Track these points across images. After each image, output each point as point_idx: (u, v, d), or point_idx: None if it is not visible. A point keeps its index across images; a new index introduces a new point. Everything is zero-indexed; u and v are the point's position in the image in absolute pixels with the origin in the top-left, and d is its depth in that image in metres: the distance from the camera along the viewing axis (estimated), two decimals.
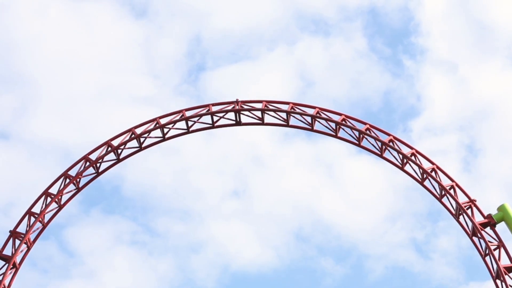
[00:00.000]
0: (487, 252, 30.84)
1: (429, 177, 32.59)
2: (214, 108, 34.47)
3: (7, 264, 31.52)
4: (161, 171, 59.25)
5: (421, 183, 32.86)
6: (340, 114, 33.99)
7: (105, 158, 33.93)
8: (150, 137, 34.38)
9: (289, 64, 64.32)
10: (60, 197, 33.08)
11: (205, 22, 64.44)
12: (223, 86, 61.38)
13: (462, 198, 32.13)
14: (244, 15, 65.24)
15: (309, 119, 34.07)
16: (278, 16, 64.65)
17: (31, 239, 32.35)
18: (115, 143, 34.04)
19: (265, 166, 60.73)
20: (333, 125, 33.91)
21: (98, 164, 33.81)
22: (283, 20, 64.78)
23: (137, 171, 57.84)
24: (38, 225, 32.54)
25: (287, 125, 34.46)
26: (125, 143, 34.07)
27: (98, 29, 63.55)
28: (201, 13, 64.37)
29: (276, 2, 65.69)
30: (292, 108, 34.17)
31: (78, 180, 33.42)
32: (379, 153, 33.52)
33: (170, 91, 62.88)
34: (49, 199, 32.84)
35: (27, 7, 61.91)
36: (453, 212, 32.20)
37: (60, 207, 33.13)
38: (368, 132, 33.55)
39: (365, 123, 33.81)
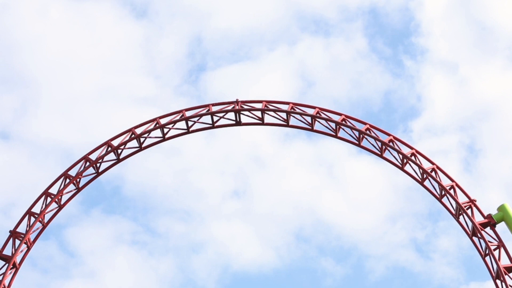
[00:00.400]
0: (487, 252, 30.83)
1: (429, 177, 32.57)
2: (214, 108, 34.47)
3: (7, 264, 31.55)
4: (161, 171, 59.34)
5: (421, 183, 32.84)
6: (340, 114, 33.99)
7: (105, 158, 33.94)
8: (150, 137, 34.39)
9: (290, 64, 64.40)
10: (60, 197, 33.09)
11: (206, 22, 64.54)
12: (223, 87, 61.45)
13: (462, 198, 32.12)
14: (244, 15, 65.31)
15: (309, 119, 34.06)
16: (279, 16, 64.74)
17: (31, 239, 32.36)
18: (115, 143, 34.05)
19: (265, 166, 60.79)
20: (333, 125, 33.90)
21: (98, 164, 33.81)
22: (283, 20, 64.85)
23: (137, 171, 57.93)
24: (38, 225, 32.55)
25: (287, 125, 34.46)
26: (125, 143, 34.07)
27: (98, 29, 63.65)
28: (202, 13, 64.45)
29: (276, 2, 65.77)
30: (292, 108, 34.16)
31: (78, 180, 33.43)
32: (379, 153, 33.50)
33: (171, 91, 62.95)
34: (49, 199, 32.85)
35: (27, 8, 62.00)
36: (453, 212, 32.18)
37: (60, 207, 33.14)
38: (368, 132, 33.54)
39: (365, 123, 33.80)
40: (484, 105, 62.39)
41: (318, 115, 34.00)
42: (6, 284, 31.33)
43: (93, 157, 33.82)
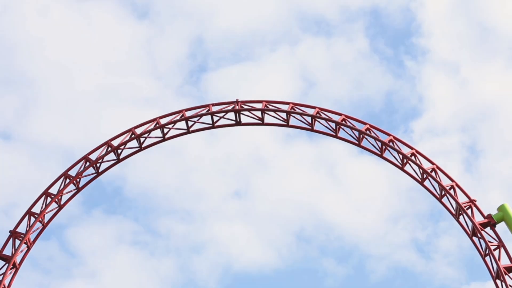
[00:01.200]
0: (487, 252, 30.79)
1: (429, 177, 32.53)
2: (214, 108, 34.46)
3: (7, 264, 31.56)
4: (163, 171, 59.37)
5: (421, 183, 32.80)
6: (340, 114, 33.96)
7: (105, 158, 33.94)
8: (150, 137, 34.39)
9: (291, 65, 64.40)
10: (60, 197, 33.10)
11: (207, 23, 64.55)
12: (225, 87, 61.49)
13: (462, 198, 32.09)
14: (246, 15, 65.31)
15: (309, 119, 34.04)
16: (280, 17, 64.76)
17: (31, 239, 32.37)
18: (115, 143, 34.06)
19: (266, 166, 60.80)
20: (333, 125, 33.88)
21: (98, 164, 33.82)
22: (285, 21, 64.87)
23: (139, 171, 57.95)
24: (38, 225, 32.56)
25: (287, 125, 34.44)
26: (125, 143, 34.08)
27: (100, 30, 63.65)
28: (203, 14, 64.48)
29: (278, 3, 65.78)
30: (292, 108, 34.15)
31: (78, 180, 33.43)
32: (379, 153, 33.47)
33: (172, 92, 62.96)
34: (49, 199, 32.86)
35: (27, 8, 61.98)
36: (453, 212, 32.15)
37: (60, 207, 33.15)
38: (368, 132, 33.51)
39: (365, 123, 33.78)
40: (485, 106, 62.46)
41: (318, 115, 33.98)
42: (6, 284, 31.33)
43: (93, 157, 33.82)
